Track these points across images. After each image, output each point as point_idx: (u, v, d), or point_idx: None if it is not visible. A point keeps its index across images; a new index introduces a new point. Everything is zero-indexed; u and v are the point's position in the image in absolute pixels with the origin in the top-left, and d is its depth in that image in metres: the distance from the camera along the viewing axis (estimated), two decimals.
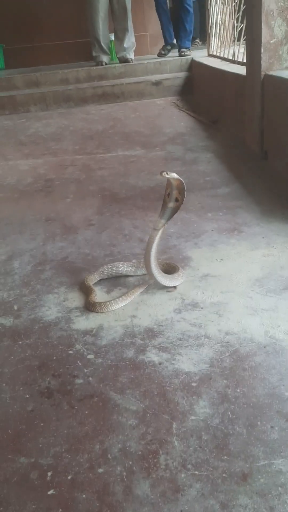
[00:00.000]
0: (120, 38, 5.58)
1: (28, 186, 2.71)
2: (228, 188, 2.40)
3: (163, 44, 5.75)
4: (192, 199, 2.29)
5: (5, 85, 5.53)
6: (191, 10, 5.34)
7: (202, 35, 6.42)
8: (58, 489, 0.88)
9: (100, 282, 1.61)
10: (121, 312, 1.43)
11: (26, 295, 1.56)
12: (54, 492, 0.88)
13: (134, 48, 5.67)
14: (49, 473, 0.92)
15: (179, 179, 1.42)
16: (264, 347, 1.22)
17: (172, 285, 1.53)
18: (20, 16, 6.25)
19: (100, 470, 0.91)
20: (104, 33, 5.50)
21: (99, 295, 1.53)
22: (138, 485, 0.88)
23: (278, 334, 1.26)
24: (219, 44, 4.69)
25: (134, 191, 2.48)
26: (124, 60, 5.58)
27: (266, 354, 1.19)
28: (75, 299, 1.51)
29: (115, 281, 1.61)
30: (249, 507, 0.82)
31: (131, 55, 5.63)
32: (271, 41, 2.58)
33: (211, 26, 4.86)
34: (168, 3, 5.52)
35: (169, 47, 5.67)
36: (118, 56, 5.69)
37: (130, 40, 5.59)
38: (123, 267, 1.64)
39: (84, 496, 0.87)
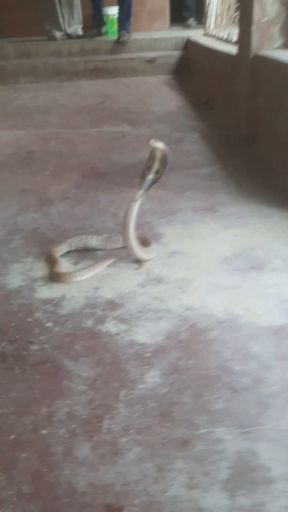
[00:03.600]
0: (68, 12, 5.48)
1: (8, 157, 2.68)
2: (210, 169, 2.39)
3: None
4: (172, 178, 2.27)
5: None
6: None
7: (198, 14, 6.26)
8: None
9: (68, 253, 1.61)
10: (86, 283, 1.43)
11: None
12: None
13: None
14: None
15: (163, 150, 1.42)
16: (222, 322, 1.23)
17: (146, 259, 1.53)
18: None
19: (44, 432, 0.92)
20: (63, 7, 5.41)
21: (65, 266, 1.52)
22: (78, 447, 0.89)
23: (237, 311, 1.27)
24: (217, 23, 4.60)
25: (115, 166, 2.46)
26: (76, 36, 5.46)
27: (222, 329, 1.20)
28: (41, 269, 1.51)
29: (84, 254, 1.61)
30: (185, 471, 0.84)
31: (80, 31, 5.55)
32: (262, 20, 2.53)
33: (208, 5, 4.77)
34: None
35: (101, 30, 5.40)
36: (69, 31, 5.58)
37: (79, 15, 5.50)
38: (92, 240, 1.64)
39: (24, 455, 0.88)
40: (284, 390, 0.99)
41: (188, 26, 5.97)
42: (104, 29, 5.59)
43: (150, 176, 1.45)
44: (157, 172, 1.45)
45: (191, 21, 6.02)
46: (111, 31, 5.96)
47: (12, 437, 0.92)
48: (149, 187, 1.46)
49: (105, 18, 5.61)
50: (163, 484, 0.82)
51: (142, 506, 0.78)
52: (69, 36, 5.58)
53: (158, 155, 1.43)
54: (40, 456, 0.87)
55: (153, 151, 1.43)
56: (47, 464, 0.86)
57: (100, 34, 5.40)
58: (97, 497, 0.80)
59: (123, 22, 5.21)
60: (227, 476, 0.82)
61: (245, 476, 0.82)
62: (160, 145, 1.41)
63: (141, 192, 1.45)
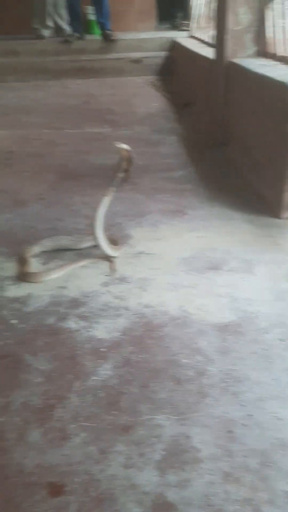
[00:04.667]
0: (57, 10, 5.50)
1: None
2: (183, 172, 2.48)
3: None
4: (145, 180, 2.36)
5: None
6: None
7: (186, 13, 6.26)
8: None
9: (39, 254, 1.69)
10: (52, 283, 1.51)
11: None
12: None
13: None
14: None
15: (127, 150, 1.55)
16: (175, 319, 1.32)
17: (110, 254, 1.62)
18: None
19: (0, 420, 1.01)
20: (54, 7, 5.45)
21: (35, 266, 1.61)
22: (30, 433, 0.98)
23: (191, 309, 1.36)
24: (201, 26, 4.68)
25: (92, 168, 2.54)
26: (66, 35, 5.44)
27: (175, 326, 1.30)
28: (10, 269, 1.59)
29: (54, 254, 1.69)
30: (124, 453, 0.93)
31: (69, 30, 5.55)
32: (235, 28, 2.63)
33: (193, 7, 4.85)
34: None
35: (77, 35, 5.38)
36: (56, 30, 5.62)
37: (67, 14, 5.49)
38: (65, 241, 1.72)
39: None
40: (222, 381, 1.09)
41: (175, 26, 5.98)
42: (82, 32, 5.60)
43: (119, 175, 1.57)
44: (125, 170, 1.57)
45: (179, 20, 6.03)
46: (97, 31, 6.02)
47: None
48: (119, 184, 1.59)
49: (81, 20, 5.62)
50: (103, 464, 0.91)
51: (82, 483, 0.88)
52: (57, 34, 5.62)
53: (124, 154, 1.55)
54: None
55: (121, 152, 1.54)
56: (0, 448, 0.95)
57: (81, 38, 5.44)
58: (42, 476, 0.89)
59: (105, 22, 5.28)
60: (161, 457, 0.92)
61: (177, 457, 0.92)
62: (124, 146, 1.52)
63: (112, 189, 1.58)
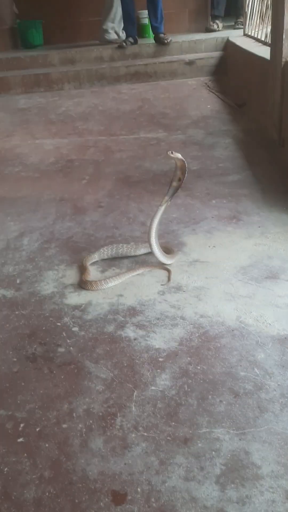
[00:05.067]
0: (120, 19, 5.52)
1: (49, 166, 2.86)
2: (238, 176, 2.45)
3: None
4: (200, 185, 2.36)
5: (42, 62, 5.65)
6: None
7: (233, 11, 6.07)
8: (27, 438, 1.04)
9: (97, 262, 1.75)
10: (110, 291, 1.56)
11: (29, 270, 1.72)
12: (22, 440, 1.04)
13: None
14: (22, 425, 1.08)
15: (182, 159, 1.57)
16: (232, 330, 1.32)
17: (164, 262, 1.65)
18: None
19: (64, 426, 1.07)
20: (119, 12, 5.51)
21: (94, 274, 1.66)
22: (93, 440, 1.02)
23: (248, 320, 1.35)
24: (257, 23, 4.58)
25: (147, 174, 2.58)
26: (121, 42, 5.47)
27: (232, 337, 1.29)
28: (72, 277, 1.66)
29: (112, 262, 1.74)
30: (183, 466, 0.95)
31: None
32: None
33: (248, 4, 4.75)
34: None
35: (131, 40, 5.36)
36: (121, 35, 5.66)
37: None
38: (122, 249, 1.77)
39: (47, 445, 1.02)
40: (282, 396, 1.08)
41: (211, 30, 5.81)
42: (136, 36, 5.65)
43: (174, 184, 1.62)
44: (179, 179, 1.60)
45: (216, 25, 5.83)
46: (151, 35, 6.05)
47: (37, 429, 1.06)
48: (174, 193, 1.64)
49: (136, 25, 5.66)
50: (163, 475, 0.93)
51: (144, 493, 0.90)
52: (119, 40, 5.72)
53: (178, 164, 1.58)
54: (60, 447, 1.02)
55: (175, 161, 1.58)
56: (65, 454, 1.00)
57: (135, 42, 5.50)
58: (106, 484, 0.93)
59: (159, 26, 5.31)
60: (221, 471, 0.92)
61: (237, 472, 0.92)
62: (179, 155, 1.55)
63: (166, 198, 1.63)
